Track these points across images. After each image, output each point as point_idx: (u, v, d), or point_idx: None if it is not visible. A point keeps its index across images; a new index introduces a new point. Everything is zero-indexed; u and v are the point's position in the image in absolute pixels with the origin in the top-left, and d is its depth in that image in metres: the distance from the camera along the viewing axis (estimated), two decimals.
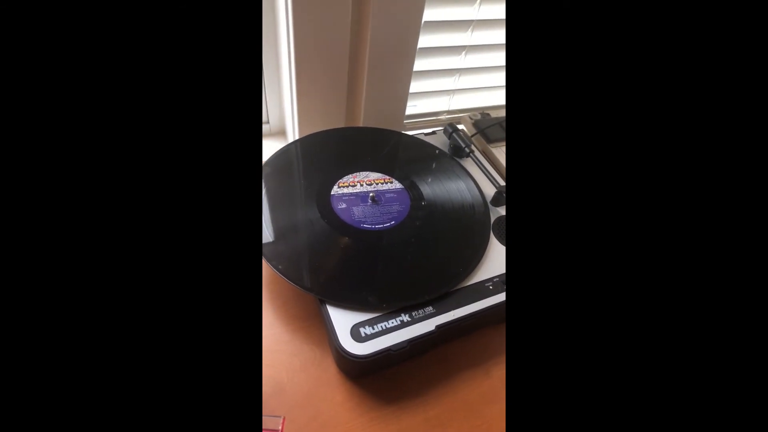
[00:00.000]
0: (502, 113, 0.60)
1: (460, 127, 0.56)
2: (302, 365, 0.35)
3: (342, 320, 0.33)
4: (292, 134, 0.56)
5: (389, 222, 0.40)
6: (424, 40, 0.53)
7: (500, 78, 0.64)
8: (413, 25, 0.49)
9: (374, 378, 0.35)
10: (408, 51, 0.51)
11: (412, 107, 0.62)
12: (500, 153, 0.54)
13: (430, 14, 0.51)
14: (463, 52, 0.57)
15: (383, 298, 0.34)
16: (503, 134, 0.56)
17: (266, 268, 0.41)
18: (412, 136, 0.51)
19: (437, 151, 0.50)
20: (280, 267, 0.35)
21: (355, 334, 0.32)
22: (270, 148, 0.59)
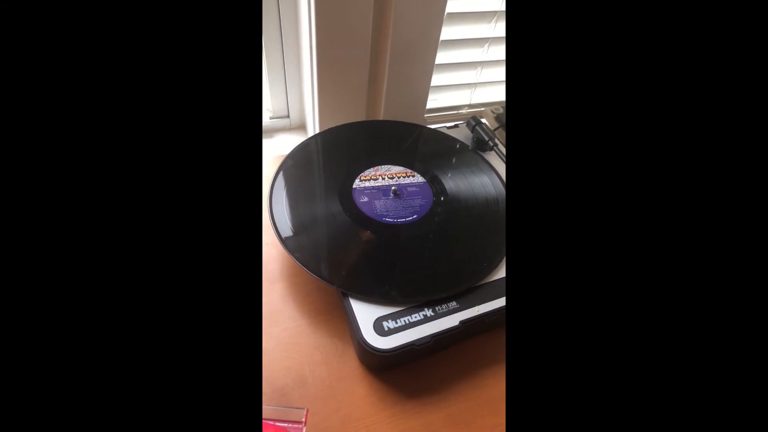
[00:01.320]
0: None
1: (482, 120, 0.55)
2: (324, 358, 0.35)
3: (365, 314, 0.33)
4: (313, 128, 0.56)
5: (411, 216, 0.40)
6: (446, 33, 0.52)
7: None
8: (436, 17, 0.49)
9: (396, 372, 0.35)
10: (430, 44, 0.51)
11: (433, 101, 0.61)
12: None
13: (452, 6, 0.50)
14: (486, 45, 0.56)
15: (406, 292, 0.34)
16: None
17: (289, 260, 0.41)
18: (434, 130, 0.50)
19: (459, 145, 0.49)
20: (302, 259, 0.35)
21: (378, 327, 0.32)
22: (290, 141, 0.60)
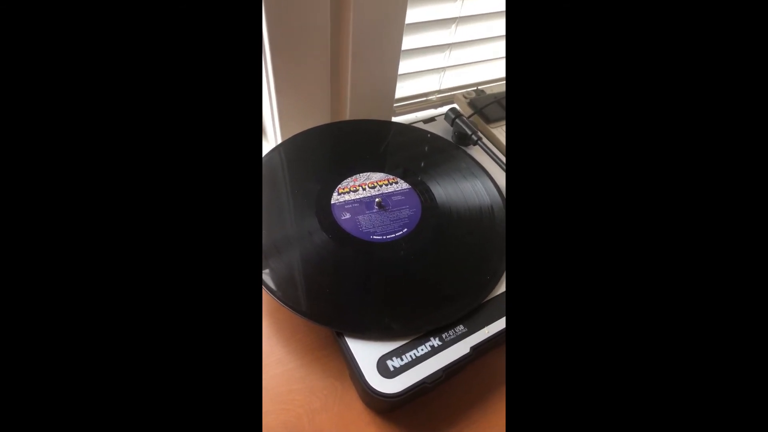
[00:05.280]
0: (499, 89, 0.55)
1: (457, 108, 0.51)
2: (323, 404, 0.31)
3: (366, 354, 0.29)
4: (273, 133, 0.50)
5: (401, 230, 0.36)
6: (410, 15, 0.47)
7: (496, 49, 0.59)
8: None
9: (405, 408, 0.32)
10: (396, 25, 0.46)
11: (399, 88, 0.56)
12: (502, 134, 0.50)
13: None
14: (453, 25, 0.52)
15: (408, 323, 0.30)
16: (503, 113, 0.52)
17: (269, 299, 0.36)
18: (410, 126, 0.46)
19: (441, 142, 0.45)
20: (286, 299, 0.31)
21: (383, 368, 0.29)
22: None
